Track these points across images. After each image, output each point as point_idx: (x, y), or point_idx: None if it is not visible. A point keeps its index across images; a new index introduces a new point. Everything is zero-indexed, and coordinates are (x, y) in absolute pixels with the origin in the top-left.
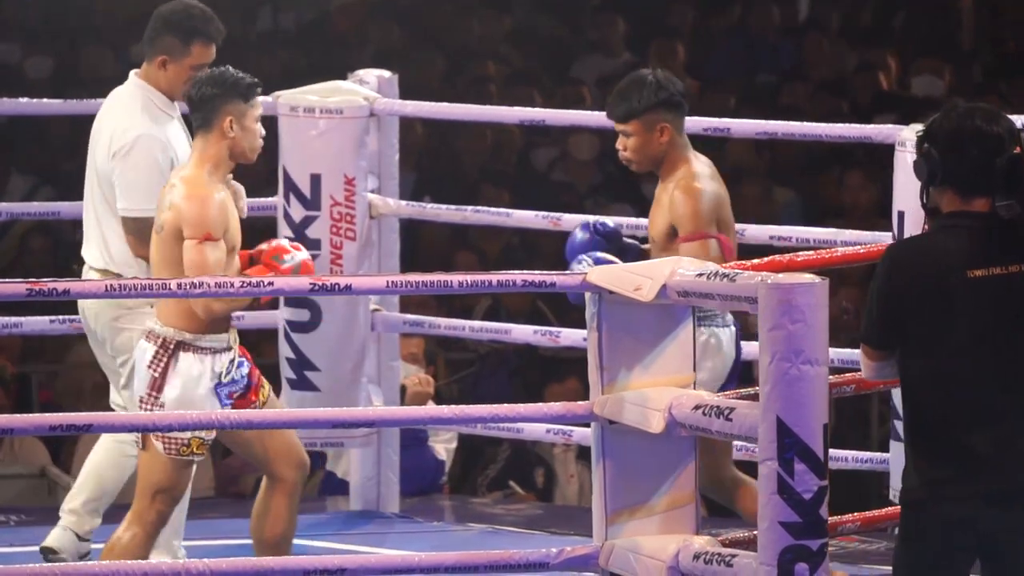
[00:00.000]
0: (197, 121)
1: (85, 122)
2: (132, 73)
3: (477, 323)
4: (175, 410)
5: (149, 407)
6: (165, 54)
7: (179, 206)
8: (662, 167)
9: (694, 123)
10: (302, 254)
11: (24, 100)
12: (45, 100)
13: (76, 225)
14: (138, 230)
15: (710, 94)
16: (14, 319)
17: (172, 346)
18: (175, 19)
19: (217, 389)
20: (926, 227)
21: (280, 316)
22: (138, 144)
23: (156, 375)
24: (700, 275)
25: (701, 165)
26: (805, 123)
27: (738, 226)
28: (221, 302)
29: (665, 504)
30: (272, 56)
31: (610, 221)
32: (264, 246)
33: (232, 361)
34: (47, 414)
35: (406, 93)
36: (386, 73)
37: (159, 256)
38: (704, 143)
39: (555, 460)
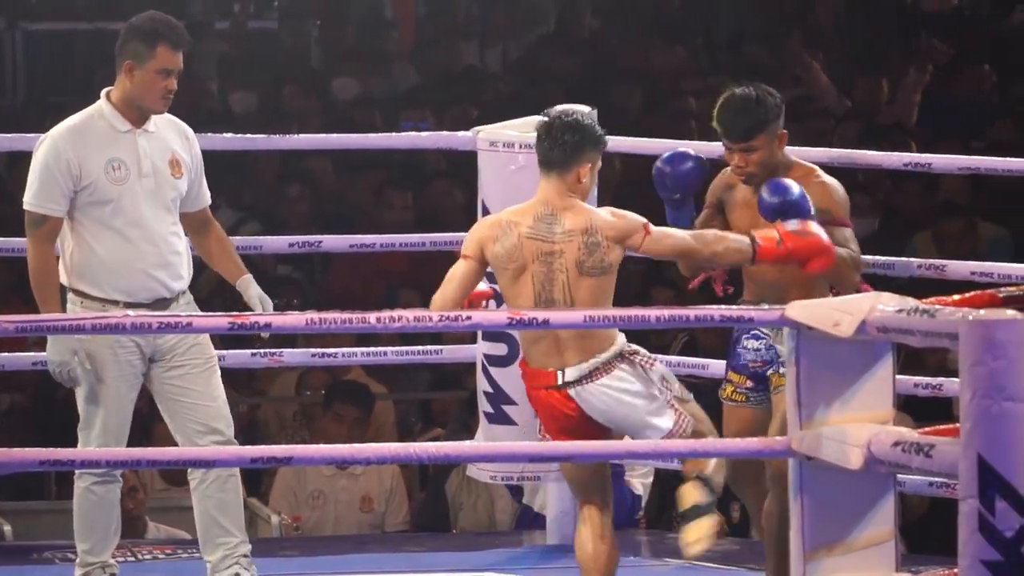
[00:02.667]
0: (549, 168)
1: (290, 158)
2: (103, 92)
3: (675, 358)
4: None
5: (671, 399)
6: (131, 59)
7: (619, 229)
8: (779, 170)
9: (896, 158)
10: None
11: (230, 136)
12: (249, 136)
13: (278, 259)
14: (26, 224)
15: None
16: (216, 352)
17: (625, 354)
18: (140, 25)
19: None
20: None
21: (479, 350)
22: (43, 144)
23: (646, 374)
24: (900, 311)
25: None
26: (1009, 159)
27: (938, 261)
28: None
29: (864, 541)
30: (478, 91)
31: None
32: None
33: None
34: (248, 446)
35: (604, 127)
36: (585, 108)
37: (606, 297)
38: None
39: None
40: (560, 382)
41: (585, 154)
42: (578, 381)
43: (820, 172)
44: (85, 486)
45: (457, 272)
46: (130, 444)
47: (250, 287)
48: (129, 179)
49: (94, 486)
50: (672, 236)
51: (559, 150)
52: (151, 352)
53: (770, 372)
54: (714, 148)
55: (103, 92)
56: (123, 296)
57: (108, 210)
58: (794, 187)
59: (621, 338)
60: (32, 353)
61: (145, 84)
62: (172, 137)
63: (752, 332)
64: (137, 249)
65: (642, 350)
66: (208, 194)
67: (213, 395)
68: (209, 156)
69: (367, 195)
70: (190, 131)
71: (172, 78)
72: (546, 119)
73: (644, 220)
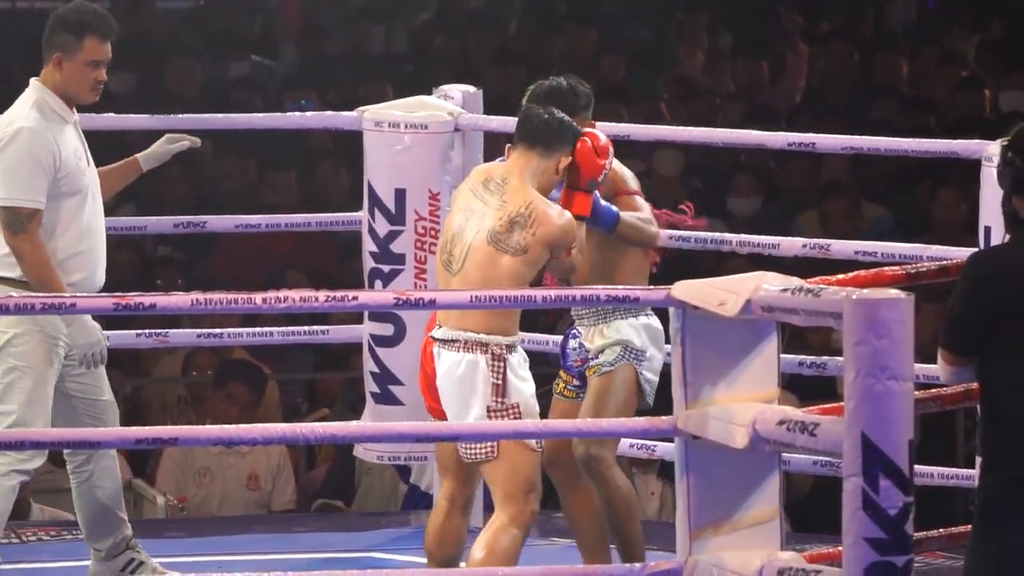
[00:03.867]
0: (535, 142)
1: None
2: (32, 80)
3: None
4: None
5: (503, 414)
6: (60, 51)
7: (551, 237)
8: None
9: (781, 138)
10: None
11: (111, 115)
12: (131, 115)
13: (159, 240)
14: (9, 222)
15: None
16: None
17: (495, 352)
18: (68, 16)
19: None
20: (1007, 238)
21: (365, 330)
22: (19, 136)
23: (498, 382)
24: (785, 290)
25: None
26: (892, 139)
27: (823, 241)
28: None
29: (749, 519)
30: (357, 71)
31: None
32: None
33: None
34: (133, 427)
35: (490, 108)
36: (471, 88)
37: (505, 277)
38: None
39: (634, 478)
40: (432, 334)
41: (566, 148)
42: (443, 341)
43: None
44: (13, 484)
45: None
46: None
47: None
48: (88, 170)
49: (20, 477)
50: (573, 260)
51: (552, 133)
52: (67, 350)
53: (586, 369)
54: (618, 129)
55: (34, 81)
56: (93, 287)
57: (77, 200)
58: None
59: (504, 338)
60: None
61: (75, 76)
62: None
63: (573, 331)
64: (99, 239)
65: (513, 362)
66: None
67: (106, 390)
68: (91, 136)
69: (248, 176)
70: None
71: (102, 69)
72: (537, 110)
73: (574, 247)
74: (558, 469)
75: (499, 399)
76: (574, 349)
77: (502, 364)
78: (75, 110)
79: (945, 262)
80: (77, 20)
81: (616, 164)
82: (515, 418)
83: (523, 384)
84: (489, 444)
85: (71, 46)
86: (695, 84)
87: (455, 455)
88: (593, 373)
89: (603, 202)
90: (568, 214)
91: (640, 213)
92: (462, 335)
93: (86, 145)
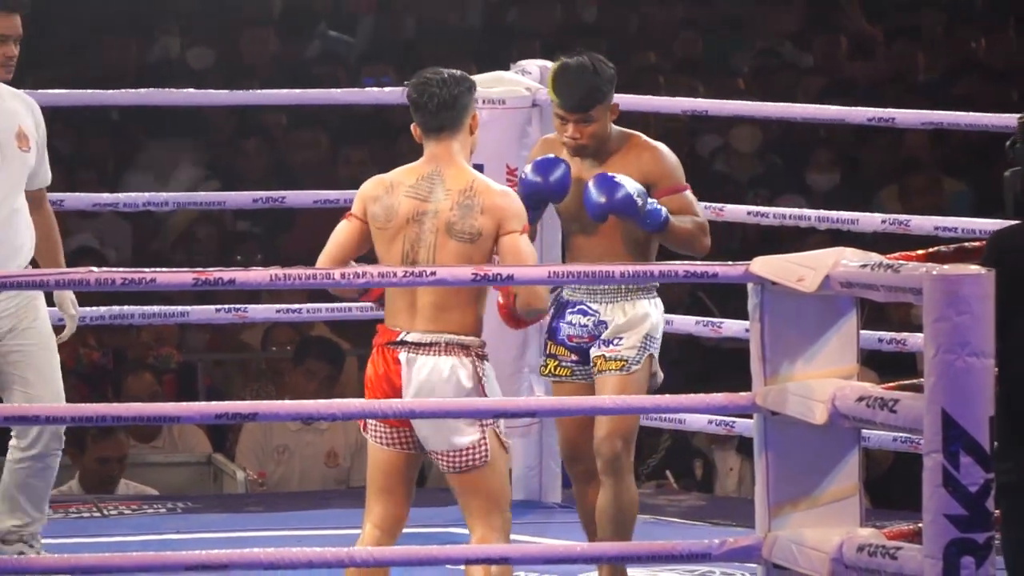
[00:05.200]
0: (445, 122)
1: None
2: None
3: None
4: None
5: (488, 423)
6: None
7: (499, 205)
8: (610, 142)
9: (861, 113)
10: None
11: (190, 91)
12: (210, 91)
13: (239, 215)
14: None
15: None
16: (180, 308)
17: (478, 354)
18: None
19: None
20: None
21: None
22: None
23: (482, 385)
24: (864, 266)
25: None
26: (972, 114)
27: (902, 216)
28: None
29: (828, 496)
30: (436, 46)
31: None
32: None
33: None
34: (214, 402)
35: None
36: (548, 63)
37: (466, 261)
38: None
39: (713, 453)
40: (399, 339)
41: (471, 105)
42: (416, 346)
43: (644, 138)
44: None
45: (340, 231)
46: (99, 400)
47: (66, 302)
48: None
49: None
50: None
51: (448, 110)
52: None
53: (595, 352)
54: (696, 104)
55: None
56: None
57: None
58: (620, 189)
59: (479, 339)
60: None
61: None
62: (17, 108)
63: (579, 307)
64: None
65: (489, 365)
66: (48, 173)
67: (51, 376)
68: (172, 111)
69: (322, 151)
70: (35, 104)
71: (11, 44)
72: (415, 88)
73: (526, 220)
74: (580, 464)
75: None
76: (583, 326)
77: (484, 365)
78: None
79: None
80: None
81: (660, 153)
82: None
83: (497, 388)
84: (484, 449)
85: None
86: (774, 59)
87: (403, 472)
88: (617, 368)
89: (651, 201)
90: (510, 191)
91: (697, 218)
92: (440, 337)
93: (1, 126)
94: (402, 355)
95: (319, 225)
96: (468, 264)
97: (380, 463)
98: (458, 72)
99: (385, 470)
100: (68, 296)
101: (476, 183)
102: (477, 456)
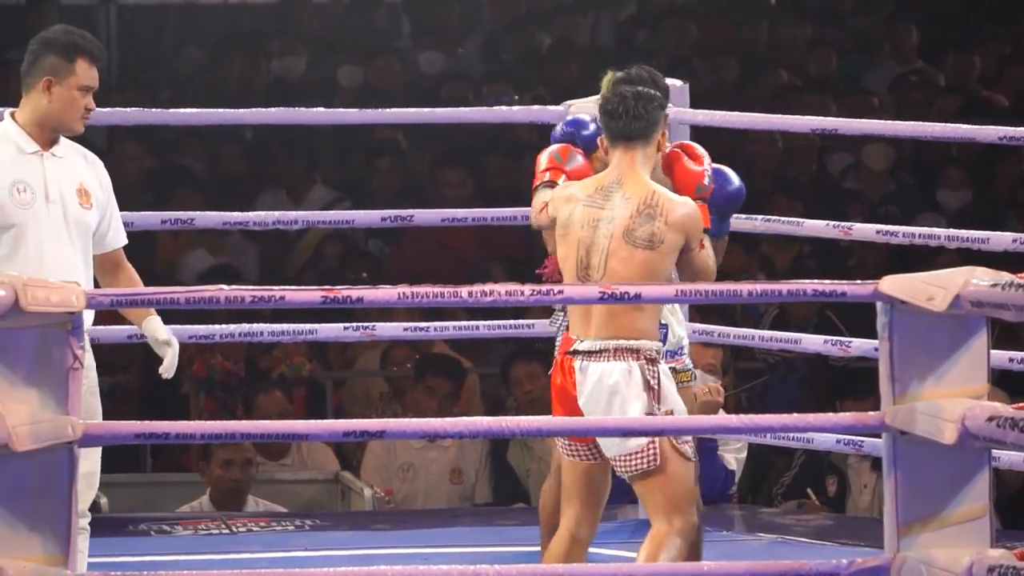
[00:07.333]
0: (633, 133)
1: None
2: (6, 112)
3: (767, 332)
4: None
5: None
6: (50, 75)
7: (685, 221)
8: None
9: (992, 131)
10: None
11: (320, 110)
12: (341, 110)
13: (368, 234)
14: None
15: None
16: (308, 326)
17: (648, 357)
18: (55, 39)
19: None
20: None
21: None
22: None
23: (655, 387)
24: (995, 285)
25: None
26: None
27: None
28: None
29: (958, 516)
30: (566, 65)
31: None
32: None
33: None
34: (341, 420)
35: (697, 101)
36: (677, 82)
37: (647, 273)
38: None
39: (849, 469)
40: (574, 348)
41: (661, 121)
42: (588, 354)
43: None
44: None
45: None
46: (228, 417)
47: (157, 329)
48: (34, 204)
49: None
50: (707, 259)
51: (641, 122)
52: None
53: (669, 366)
54: (825, 123)
55: (6, 112)
56: None
57: (9, 236)
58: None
59: (654, 343)
60: (127, 326)
61: (65, 101)
62: (80, 165)
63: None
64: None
65: (663, 367)
66: (123, 234)
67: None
68: (312, 131)
69: (441, 171)
70: (99, 162)
71: (90, 96)
72: (611, 96)
73: (704, 235)
74: (554, 523)
75: (658, 405)
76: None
77: (656, 369)
78: (58, 142)
79: None
80: (67, 42)
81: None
82: None
83: (674, 389)
84: (652, 453)
85: (62, 70)
86: (907, 77)
87: (586, 478)
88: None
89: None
90: (692, 202)
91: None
92: (611, 343)
93: (57, 180)
94: (576, 363)
95: (426, 243)
96: (645, 268)
97: (567, 473)
98: (653, 90)
99: (572, 479)
100: (155, 323)
101: (658, 194)
102: (646, 460)
